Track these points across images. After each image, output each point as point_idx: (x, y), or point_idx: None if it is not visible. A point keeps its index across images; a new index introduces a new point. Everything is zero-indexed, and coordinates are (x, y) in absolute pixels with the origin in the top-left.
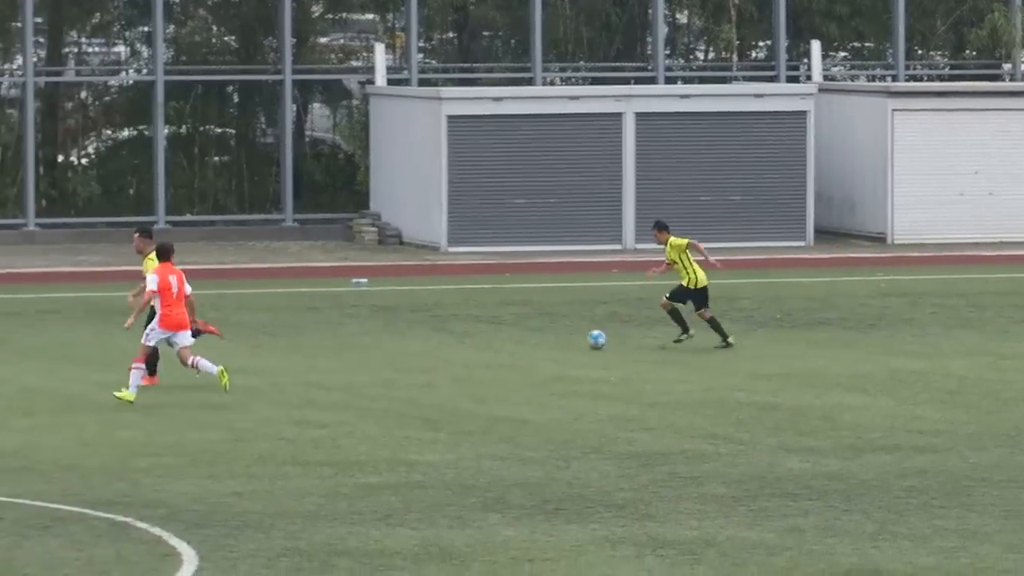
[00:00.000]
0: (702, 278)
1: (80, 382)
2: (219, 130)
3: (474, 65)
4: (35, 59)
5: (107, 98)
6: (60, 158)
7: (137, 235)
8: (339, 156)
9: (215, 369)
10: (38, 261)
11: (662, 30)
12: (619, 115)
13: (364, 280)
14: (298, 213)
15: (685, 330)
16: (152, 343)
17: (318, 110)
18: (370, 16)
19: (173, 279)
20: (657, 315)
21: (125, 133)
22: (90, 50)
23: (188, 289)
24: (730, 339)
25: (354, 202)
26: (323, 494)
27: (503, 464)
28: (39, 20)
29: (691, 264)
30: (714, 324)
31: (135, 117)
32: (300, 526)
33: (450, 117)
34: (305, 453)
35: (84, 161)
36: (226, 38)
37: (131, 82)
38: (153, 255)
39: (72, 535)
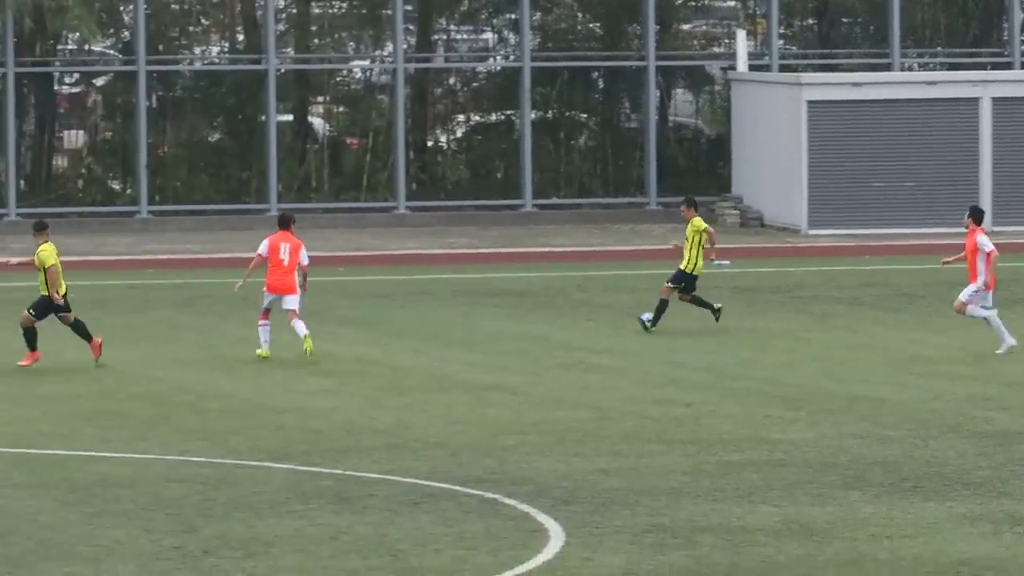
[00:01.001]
0: (700, 266)
1: (449, 362)
2: (584, 115)
3: (833, 51)
4: (405, 46)
5: (475, 84)
6: (429, 142)
7: (34, 231)
8: (701, 140)
9: (303, 332)
10: (409, 243)
11: (1018, 16)
12: (976, 100)
13: (727, 262)
14: (662, 196)
15: (712, 308)
16: (264, 304)
17: (681, 95)
18: (732, 3)
19: (284, 247)
20: (1015, 296)
21: (492, 118)
22: (458, 37)
23: (304, 259)
24: (650, 327)
25: (716, 185)
26: (686, 471)
27: (862, 443)
28: (409, 8)
29: (697, 249)
30: (663, 308)
31: (502, 102)
32: (664, 503)
33: (810, 102)
34: (669, 431)
35: (453, 145)
36: (591, 25)
37: (498, 68)
38: (45, 246)
39: (442, 511)
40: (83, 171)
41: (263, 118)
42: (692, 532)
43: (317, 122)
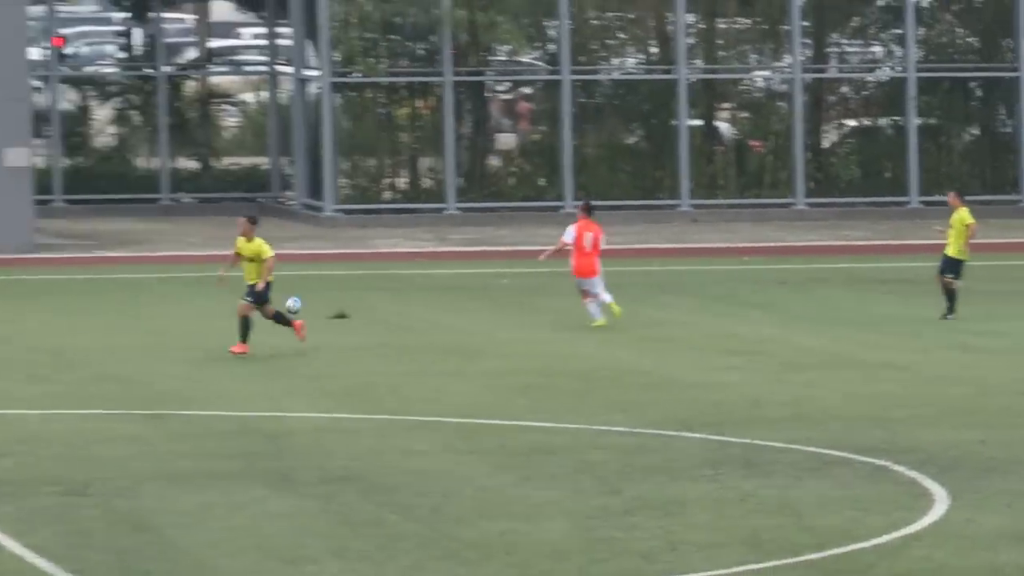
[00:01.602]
0: (965, 252)
1: (845, 341)
2: (963, 121)
3: None
4: (802, 58)
5: (864, 92)
6: (824, 145)
7: (244, 220)
8: None
9: (597, 319)
10: (807, 236)
11: None
12: None
13: None
14: None
15: (952, 307)
16: (579, 287)
17: None
18: None
19: (588, 235)
20: None
21: (881, 123)
22: (849, 50)
23: (602, 244)
24: (951, 316)
25: None
26: None
27: None
28: (806, 23)
29: (963, 239)
30: (951, 295)
31: (889, 109)
32: None
33: None
34: None
35: (845, 147)
36: (969, 39)
37: (886, 78)
38: (256, 240)
39: (838, 477)
40: (513, 169)
41: (675, 123)
42: None
43: (723, 126)
